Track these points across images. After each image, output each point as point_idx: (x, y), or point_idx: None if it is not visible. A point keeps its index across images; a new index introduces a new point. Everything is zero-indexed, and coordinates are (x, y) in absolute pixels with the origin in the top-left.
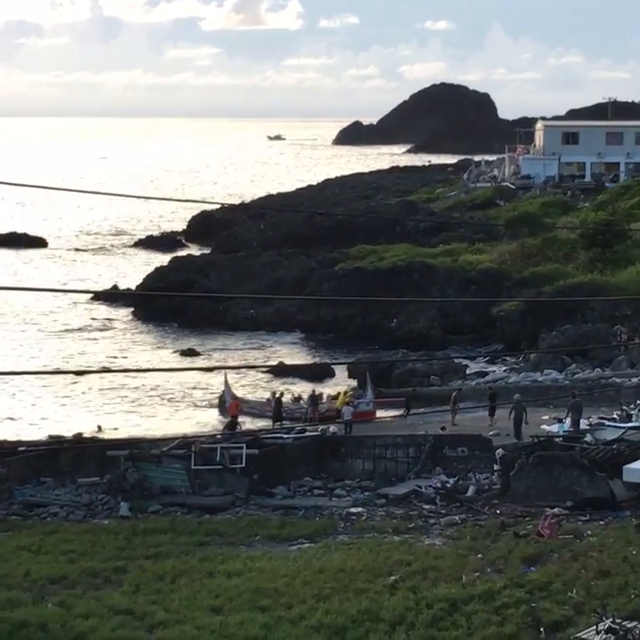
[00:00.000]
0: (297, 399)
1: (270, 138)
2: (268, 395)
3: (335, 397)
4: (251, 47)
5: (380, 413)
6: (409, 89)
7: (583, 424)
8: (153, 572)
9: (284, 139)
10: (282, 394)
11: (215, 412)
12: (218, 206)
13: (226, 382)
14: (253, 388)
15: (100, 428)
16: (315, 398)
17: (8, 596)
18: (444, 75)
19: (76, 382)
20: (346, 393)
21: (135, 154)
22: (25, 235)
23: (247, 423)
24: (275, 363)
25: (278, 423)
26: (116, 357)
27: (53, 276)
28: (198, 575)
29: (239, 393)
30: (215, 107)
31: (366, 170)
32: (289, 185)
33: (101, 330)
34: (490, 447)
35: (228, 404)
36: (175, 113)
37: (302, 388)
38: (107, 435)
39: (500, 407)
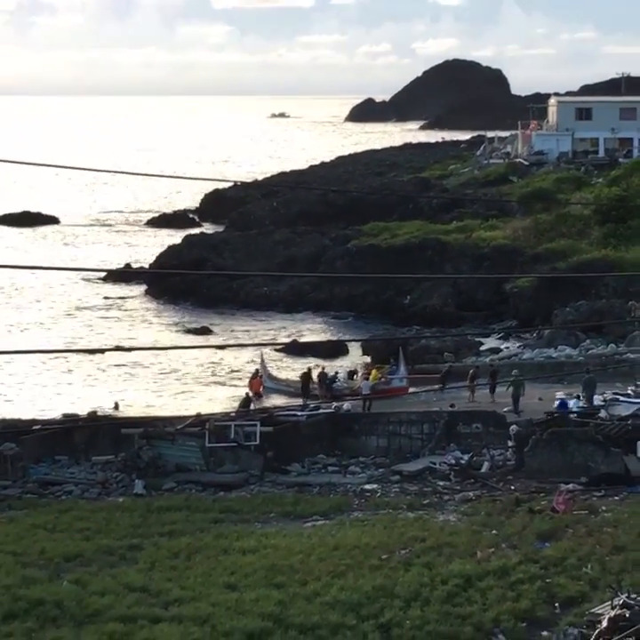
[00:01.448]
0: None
1: (274, 115)
2: (298, 373)
3: (368, 373)
4: (263, 24)
5: (412, 389)
6: (422, 65)
7: (597, 400)
8: (168, 550)
9: (288, 116)
10: (309, 370)
11: (228, 389)
12: (231, 184)
13: (262, 361)
14: (280, 365)
15: (117, 404)
16: (324, 376)
17: (24, 573)
18: (456, 51)
19: (89, 361)
20: (379, 368)
21: (148, 132)
22: (38, 214)
23: (277, 400)
24: (288, 340)
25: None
26: (129, 336)
27: (67, 254)
28: (213, 552)
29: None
30: (228, 85)
31: (379, 147)
32: (302, 162)
33: (114, 308)
34: (504, 423)
35: (252, 380)
36: (188, 91)
37: (317, 365)
38: (122, 412)
39: (500, 384)
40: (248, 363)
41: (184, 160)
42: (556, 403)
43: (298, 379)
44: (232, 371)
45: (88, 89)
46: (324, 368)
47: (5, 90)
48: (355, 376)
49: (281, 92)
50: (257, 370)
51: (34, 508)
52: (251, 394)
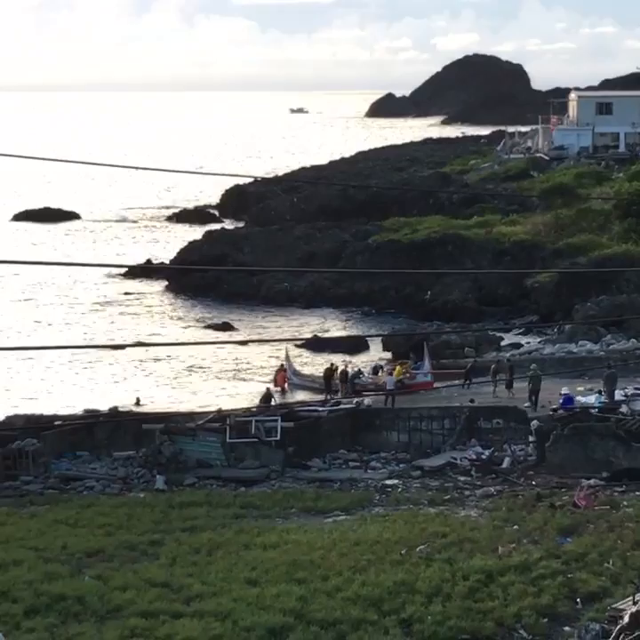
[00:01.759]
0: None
1: (292, 111)
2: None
3: (394, 369)
4: (283, 20)
5: (437, 384)
6: (442, 60)
7: (618, 395)
8: (189, 545)
9: (307, 111)
10: (332, 365)
11: (249, 384)
12: (251, 180)
13: (287, 356)
14: (309, 363)
15: (138, 400)
16: (345, 374)
17: (46, 568)
18: (476, 46)
19: (111, 356)
20: (403, 364)
21: (167, 128)
22: (59, 210)
23: (301, 396)
24: (309, 336)
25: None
26: (150, 331)
27: (87, 250)
28: (234, 548)
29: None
30: (247, 80)
31: (399, 142)
32: (322, 158)
33: (136, 304)
34: (525, 419)
35: (277, 374)
36: (207, 87)
37: (341, 361)
38: (143, 408)
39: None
40: (269, 358)
41: (204, 156)
42: (561, 399)
43: (322, 374)
44: (253, 366)
45: (103, 85)
46: (346, 365)
47: (22, 86)
48: (380, 371)
49: (300, 87)
50: (282, 364)
51: (55, 503)
52: (274, 388)
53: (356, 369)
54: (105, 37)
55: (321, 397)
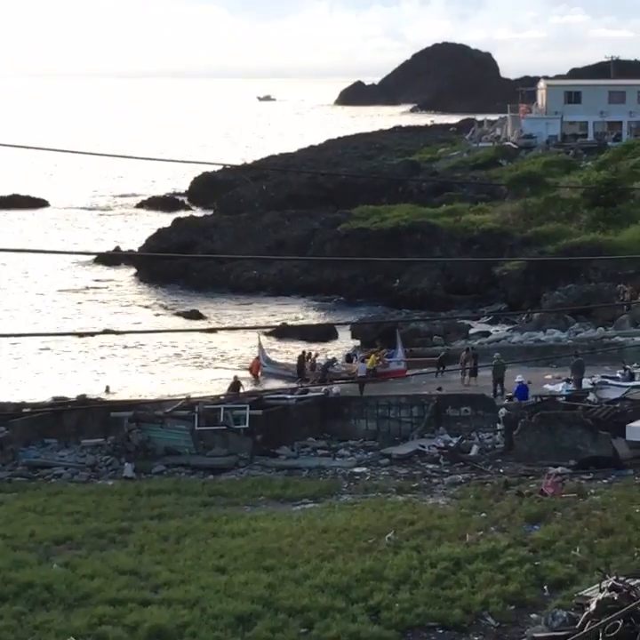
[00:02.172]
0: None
1: (260, 98)
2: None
3: (368, 357)
4: (251, 6)
5: (409, 372)
6: (411, 49)
7: (586, 383)
8: (157, 533)
9: (275, 99)
10: (304, 352)
11: (218, 372)
12: (220, 167)
13: (260, 345)
14: (279, 350)
15: (108, 388)
16: (314, 362)
17: (13, 556)
18: (446, 34)
19: (78, 344)
20: (378, 352)
21: (133, 115)
22: (27, 197)
23: (274, 385)
24: (278, 324)
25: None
26: (118, 319)
27: (55, 237)
28: (203, 535)
29: (272, 356)
30: (215, 67)
31: (368, 130)
32: (291, 145)
33: (104, 291)
34: (493, 407)
35: (251, 363)
36: (175, 74)
37: (306, 348)
38: (113, 396)
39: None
40: (238, 346)
41: (172, 143)
42: (515, 386)
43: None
44: (222, 354)
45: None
46: (316, 354)
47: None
48: (354, 360)
49: (270, 74)
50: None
51: (23, 491)
52: (249, 376)
53: (329, 357)
54: (67, 24)
55: (294, 385)
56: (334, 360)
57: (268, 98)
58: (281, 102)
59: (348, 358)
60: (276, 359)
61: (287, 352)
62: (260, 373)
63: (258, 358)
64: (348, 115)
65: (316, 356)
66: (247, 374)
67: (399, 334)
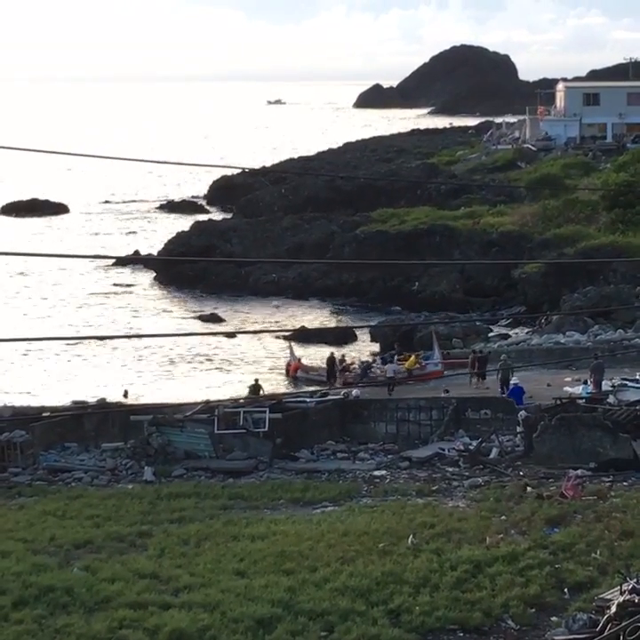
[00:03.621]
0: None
1: (269, 102)
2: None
3: (403, 359)
4: (270, 10)
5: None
6: (429, 51)
7: (606, 385)
8: (177, 536)
9: (285, 103)
10: (333, 354)
11: (237, 376)
12: (239, 171)
13: (291, 350)
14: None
15: (126, 392)
16: (341, 362)
17: (34, 560)
18: (464, 37)
19: (98, 348)
20: (418, 355)
21: (153, 120)
22: (47, 201)
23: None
24: (297, 327)
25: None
26: (138, 323)
27: (75, 242)
28: (222, 539)
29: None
30: (234, 71)
31: (387, 133)
32: (310, 148)
33: (123, 295)
34: (513, 409)
35: (290, 365)
36: (193, 77)
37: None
38: (132, 400)
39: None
40: (258, 350)
41: (190, 147)
42: (510, 388)
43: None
44: (241, 358)
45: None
46: (341, 355)
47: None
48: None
49: (288, 78)
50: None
51: (44, 494)
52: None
53: (368, 360)
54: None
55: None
56: (372, 363)
57: (278, 102)
58: (291, 106)
59: (384, 361)
60: (308, 364)
61: (310, 356)
62: (296, 374)
63: (298, 360)
64: (366, 117)
65: (344, 357)
66: (268, 376)
67: (436, 336)
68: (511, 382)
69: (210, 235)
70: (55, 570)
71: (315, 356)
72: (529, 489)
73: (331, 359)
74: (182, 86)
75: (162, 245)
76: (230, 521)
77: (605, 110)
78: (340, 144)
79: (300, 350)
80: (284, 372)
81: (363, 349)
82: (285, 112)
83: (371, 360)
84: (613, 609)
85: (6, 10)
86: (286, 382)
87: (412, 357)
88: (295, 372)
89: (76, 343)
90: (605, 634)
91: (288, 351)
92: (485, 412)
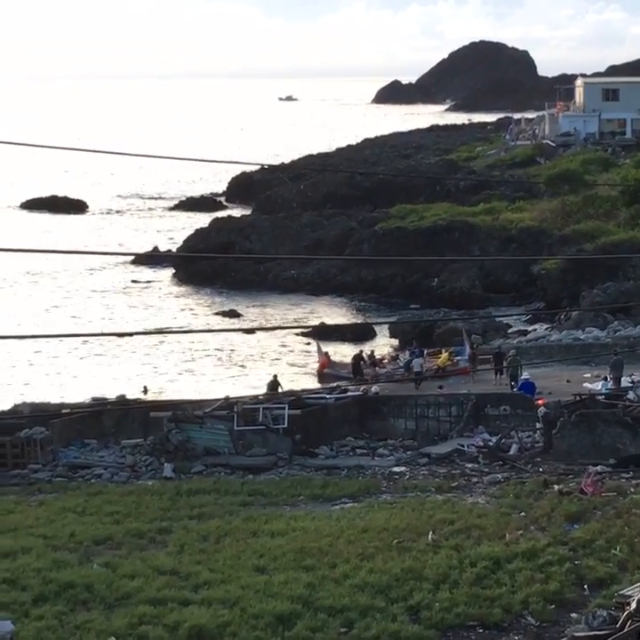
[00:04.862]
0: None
1: (281, 99)
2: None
3: (434, 355)
4: (288, 7)
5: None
6: (448, 47)
7: (625, 381)
8: (197, 533)
9: (296, 99)
10: (361, 352)
11: (256, 372)
12: (257, 167)
13: (318, 347)
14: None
15: (145, 388)
16: (371, 358)
17: (54, 556)
18: (483, 32)
19: (118, 345)
20: (450, 352)
21: (172, 116)
22: (65, 198)
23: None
24: (316, 323)
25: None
26: (156, 319)
27: (94, 238)
28: (242, 535)
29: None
30: (253, 67)
31: (406, 129)
32: (328, 145)
33: (143, 292)
34: (532, 405)
35: (319, 361)
36: (211, 74)
37: (350, 349)
38: (151, 396)
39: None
40: (276, 346)
41: (208, 144)
42: (520, 382)
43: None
44: (260, 354)
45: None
46: (372, 351)
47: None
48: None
49: (304, 74)
50: (326, 352)
51: (63, 491)
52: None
53: (407, 355)
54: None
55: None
56: (412, 359)
57: (289, 98)
58: (303, 102)
59: (414, 355)
60: (336, 360)
61: (334, 353)
62: (325, 370)
63: (326, 355)
64: (385, 113)
65: (373, 353)
66: (287, 372)
67: (466, 333)
68: (522, 377)
69: (229, 231)
70: (75, 566)
71: (333, 352)
72: (555, 487)
73: (357, 357)
74: (199, 84)
75: (181, 242)
76: (250, 517)
77: (625, 106)
78: (360, 140)
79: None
80: (315, 373)
81: (381, 346)
82: (296, 109)
83: (400, 354)
84: (634, 605)
85: (39, 10)
86: (307, 378)
87: (445, 354)
88: (322, 369)
89: (96, 340)
90: (626, 630)
91: (315, 348)
92: (505, 409)
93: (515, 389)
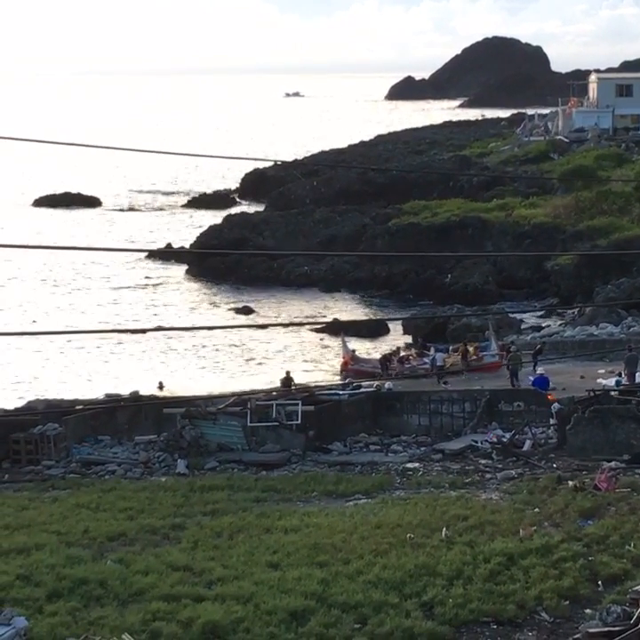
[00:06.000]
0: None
1: (288, 95)
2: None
3: (456, 350)
4: (302, 3)
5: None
6: (461, 43)
7: (639, 377)
8: (211, 529)
9: (303, 95)
10: (391, 353)
11: (270, 368)
12: (271, 163)
13: (343, 342)
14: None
15: (161, 384)
16: (395, 354)
17: (68, 552)
18: (496, 28)
19: (131, 341)
20: (476, 347)
21: (182, 113)
22: (79, 194)
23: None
24: (329, 319)
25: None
26: (170, 316)
27: (107, 235)
28: (256, 531)
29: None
30: (266, 64)
31: (419, 125)
32: (341, 141)
33: (156, 288)
34: (546, 401)
35: (343, 358)
36: (224, 71)
37: (364, 345)
38: (166, 392)
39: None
40: (290, 342)
41: (221, 140)
42: (534, 377)
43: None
44: (273, 350)
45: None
46: (398, 348)
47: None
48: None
49: (319, 70)
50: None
51: (77, 487)
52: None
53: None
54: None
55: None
56: (435, 354)
57: (296, 94)
58: (309, 98)
59: (437, 350)
60: (361, 356)
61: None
62: (348, 366)
63: (352, 352)
64: (399, 109)
65: (399, 349)
66: (300, 368)
67: (492, 328)
68: (537, 372)
69: (242, 227)
70: (89, 562)
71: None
72: (569, 483)
73: (385, 357)
74: (211, 79)
75: (194, 238)
76: (263, 513)
77: (638, 101)
78: (372, 136)
79: (332, 342)
80: (334, 369)
81: (394, 342)
82: (303, 105)
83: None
84: None
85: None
86: (321, 374)
87: (471, 349)
88: (346, 366)
89: (109, 336)
90: None
91: (340, 343)
92: (518, 405)
93: (516, 385)
